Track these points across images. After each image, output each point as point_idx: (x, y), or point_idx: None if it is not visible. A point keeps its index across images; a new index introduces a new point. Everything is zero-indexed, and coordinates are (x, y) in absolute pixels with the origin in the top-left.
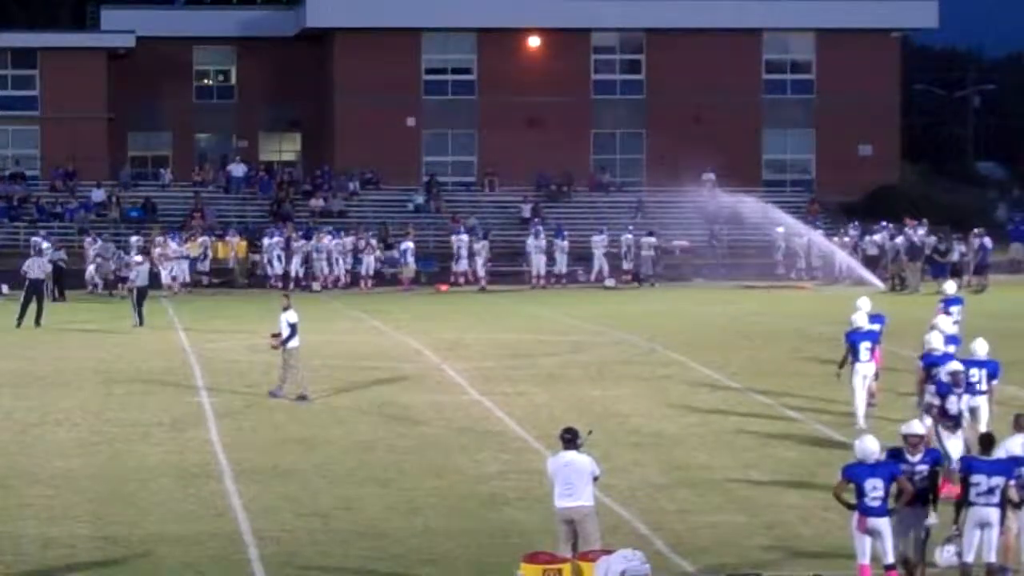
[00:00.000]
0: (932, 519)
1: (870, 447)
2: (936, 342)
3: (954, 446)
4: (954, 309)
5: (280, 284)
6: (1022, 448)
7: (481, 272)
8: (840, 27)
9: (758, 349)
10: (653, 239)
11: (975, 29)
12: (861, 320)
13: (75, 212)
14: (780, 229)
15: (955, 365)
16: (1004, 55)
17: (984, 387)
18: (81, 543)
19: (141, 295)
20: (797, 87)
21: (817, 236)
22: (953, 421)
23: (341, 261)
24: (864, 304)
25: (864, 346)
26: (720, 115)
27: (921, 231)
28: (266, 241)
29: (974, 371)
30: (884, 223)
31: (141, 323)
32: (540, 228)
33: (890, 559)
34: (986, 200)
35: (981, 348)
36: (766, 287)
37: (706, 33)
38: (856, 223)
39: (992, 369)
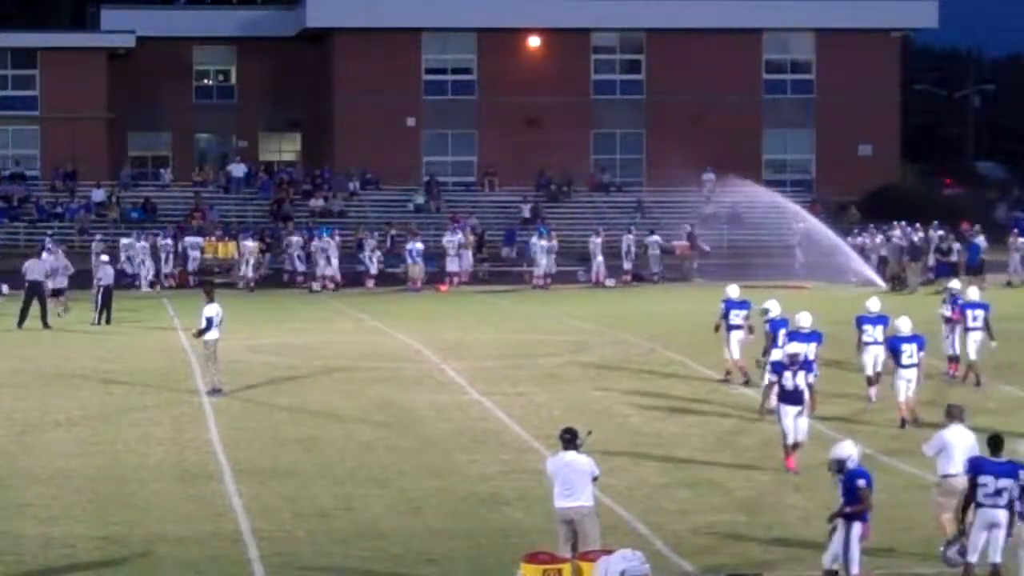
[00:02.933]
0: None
1: (854, 451)
2: (803, 321)
3: (789, 424)
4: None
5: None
6: (961, 439)
7: (441, 269)
8: (840, 27)
9: (758, 349)
10: (658, 238)
11: (975, 29)
12: (775, 309)
13: (75, 212)
14: (688, 226)
15: (794, 347)
16: (1004, 55)
17: (915, 359)
18: (81, 543)
19: (107, 295)
20: (797, 87)
21: (834, 236)
22: (792, 397)
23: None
24: (732, 291)
25: (783, 332)
26: (720, 115)
27: (979, 238)
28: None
29: (905, 346)
30: (902, 223)
31: (99, 322)
32: (543, 228)
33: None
34: (986, 200)
35: (904, 325)
36: (766, 287)
37: (706, 33)
38: (899, 222)
39: (920, 343)
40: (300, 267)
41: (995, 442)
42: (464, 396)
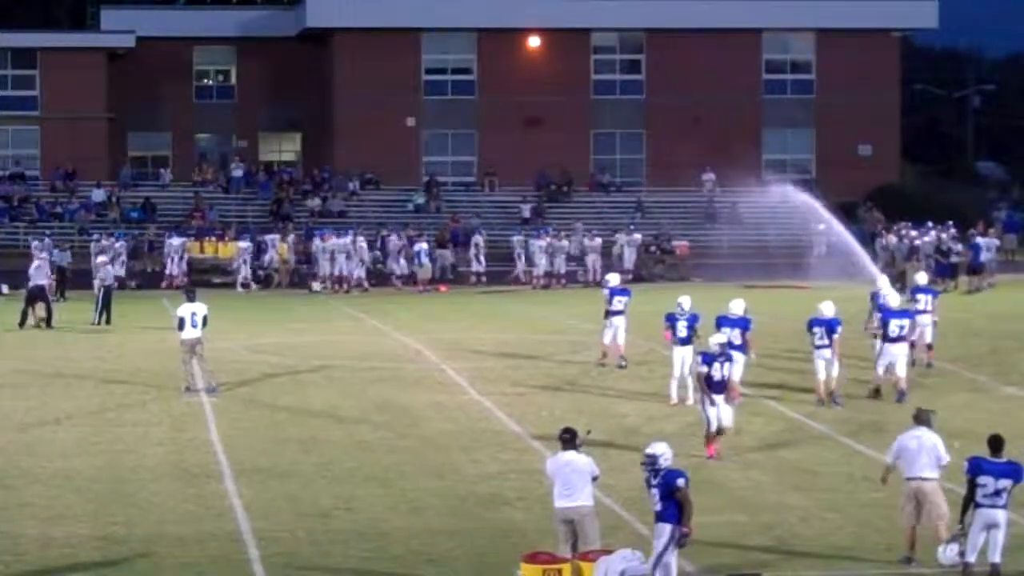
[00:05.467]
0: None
1: (668, 450)
2: (735, 308)
3: (713, 412)
4: (921, 297)
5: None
6: (916, 441)
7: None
8: (840, 27)
9: (757, 348)
10: (638, 236)
11: (975, 29)
12: (686, 304)
13: (75, 212)
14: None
15: (720, 337)
16: (1004, 55)
17: (827, 341)
18: (81, 543)
19: (107, 295)
20: (797, 87)
21: (846, 236)
22: (718, 386)
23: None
24: (614, 279)
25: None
26: (720, 115)
27: (980, 239)
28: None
29: (816, 329)
30: (927, 225)
31: (99, 322)
32: (541, 228)
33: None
34: (986, 200)
35: (828, 309)
36: (766, 287)
37: (706, 33)
38: (929, 224)
39: (830, 326)
40: (395, 268)
41: (995, 443)
42: (464, 396)
